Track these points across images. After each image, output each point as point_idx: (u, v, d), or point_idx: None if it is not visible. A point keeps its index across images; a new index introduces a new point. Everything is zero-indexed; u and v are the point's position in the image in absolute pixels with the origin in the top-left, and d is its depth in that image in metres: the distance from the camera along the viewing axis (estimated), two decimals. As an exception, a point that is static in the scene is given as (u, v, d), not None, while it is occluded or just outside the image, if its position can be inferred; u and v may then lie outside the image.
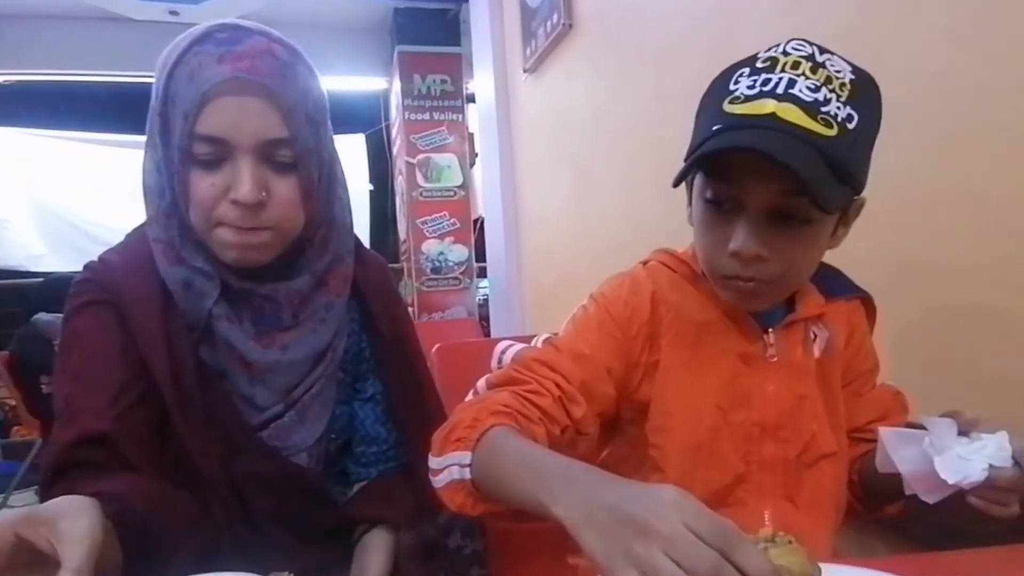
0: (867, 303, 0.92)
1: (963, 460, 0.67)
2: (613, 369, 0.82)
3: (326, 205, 0.85)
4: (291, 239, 0.83)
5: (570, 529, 0.51)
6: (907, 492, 0.74)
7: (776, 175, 0.69)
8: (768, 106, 0.70)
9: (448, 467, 0.68)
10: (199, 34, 0.75)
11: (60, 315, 0.85)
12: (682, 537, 0.44)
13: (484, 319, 4.69)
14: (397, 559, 0.91)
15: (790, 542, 0.50)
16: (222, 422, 0.82)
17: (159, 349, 0.79)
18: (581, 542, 0.50)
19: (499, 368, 0.83)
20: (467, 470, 0.67)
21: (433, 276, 5.04)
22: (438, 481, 0.70)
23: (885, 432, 0.75)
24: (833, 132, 0.69)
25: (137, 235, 0.86)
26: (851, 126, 0.70)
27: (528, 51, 2.94)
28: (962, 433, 0.71)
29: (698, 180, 0.79)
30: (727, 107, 0.73)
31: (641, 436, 0.84)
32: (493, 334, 3.96)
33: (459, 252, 5.11)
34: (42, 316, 3.50)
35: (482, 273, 4.73)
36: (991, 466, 0.67)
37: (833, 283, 0.90)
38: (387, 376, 0.96)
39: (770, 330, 0.84)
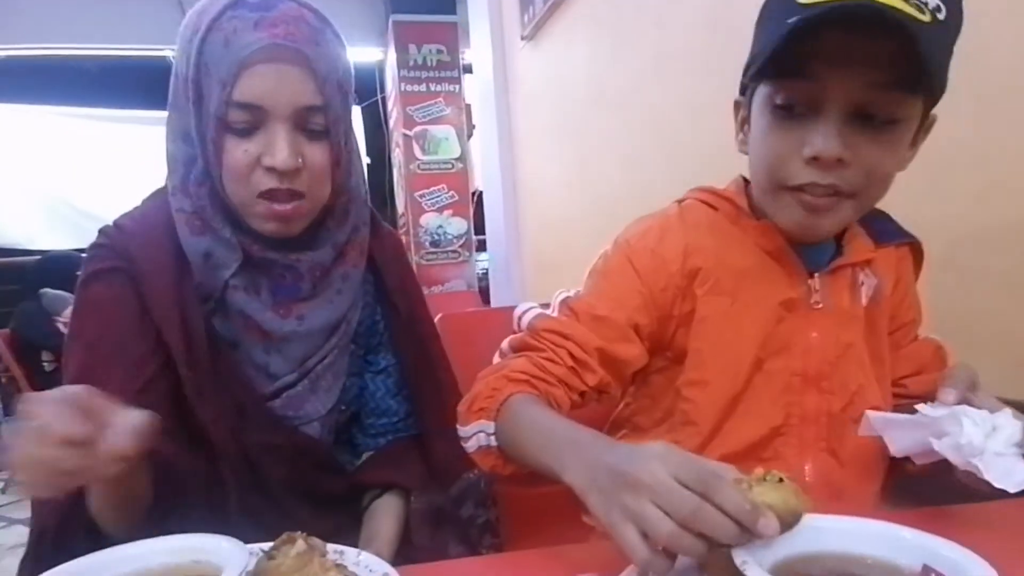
0: (915, 250, 0.87)
1: (1001, 458, 0.60)
2: (641, 325, 0.78)
3: (347, 174, 0.85)
4: (320, 207, 0.83)
5: (578, 493, 0.55)
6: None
7: (862, 65, 0.64)
8: None
9: (476, 434, 0.71)
10: (230, 0, 0.74)
11: (62, 292, 0.85)
12: (665, 485, 0.47)
13: (484, 292, 4.69)
14: (407, 524, 0.92)
15: (781, 480, 0.50)
16: (233, 392, 0.82)
17: (172, 319, 0.79)
18: (588, 504, 0.53)
19: (519, 332, 0.82)
20: (492, 438, 0.70)
21: (432, 249, 5.04)
22: (469, 447, 0.73)
23: (874, 416, 0.69)
24: (926, 18, 0.63)
25: (155, 202, 0.85)
26: (941, 17, 0.64)
27: (526, 18, 2.90)
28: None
29: (760, 92, 0.73)
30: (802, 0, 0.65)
31: (668, 388, 0.82)
32: (494, 306, 3.96)
33: (458, 225, 5.10)
34: (48, 291, 3.50)
35: (481, 246, 4.73)
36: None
37: (883, 227, 0.84)
38: (400, 349, 0.96)
39: (816, 275, 0.79)
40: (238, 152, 0.75)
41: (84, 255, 0.84)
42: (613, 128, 2.32)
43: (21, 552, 0.79)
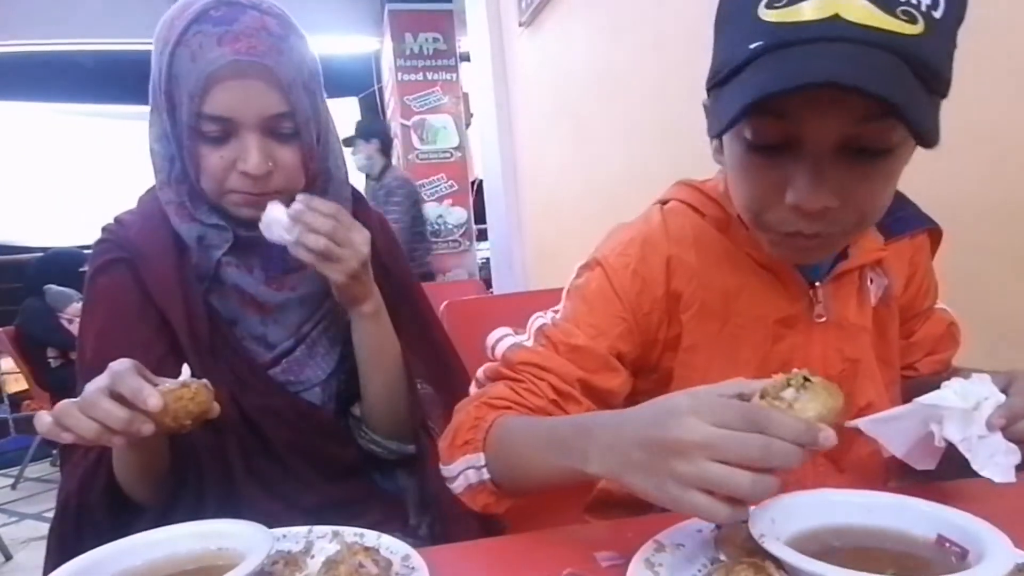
0: (933, 234, 0.79)
1: (984, 441, 0.56)
2: (624, 352, 0.72)
3: (323, 159, 0.90)
4: (295, 194, 0.87)
5: (615, 480, 0.51)
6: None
7: (848, 101, 0.53)
8: (829, 6, 0.53)
9: (463, 472, 0.66)
10: (195, 13, 0.78)
11: (65, 288, 0.91)
12: (717, 437, 0.45)
13: (485, 281, 4.69)
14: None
15: (806, 380, 0.49)
16: (231, 363, 0.87)
17: (174, 298, 0.84)
18: (630, 488, 0.50)
19: (493, 360, 0.76)
20: (483, 471, 0.64)
21: (433, 239, 5.03)
22: (456, 487, 0.67)
23: (863, 422, 0.61)
24: (919, 29, 0.53)
25: (149, 195, 0.90)
26: (937, 15, 0.53)
27: (523, 4, 2.88)
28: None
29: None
30: (764, 14, 0.55)
31: None
32: (496, 293, 3.96)
33: (458, 214, 5.09)
34: (52, 287, 3.52)
35: (481, 235, 4.72)
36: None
37: (895, 216, 0.73)
38: (395, 317, 0.97)
39: (818, 284, 0.70)
40: (213, 158, 0.81)
41: (89, 252, 0.91)
42: (612, 112, 2.31)
43: (33, 546, 0.83)
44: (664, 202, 0.79)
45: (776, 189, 0.60)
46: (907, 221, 0.77)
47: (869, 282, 0.74)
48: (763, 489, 0.44)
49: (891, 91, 0.51)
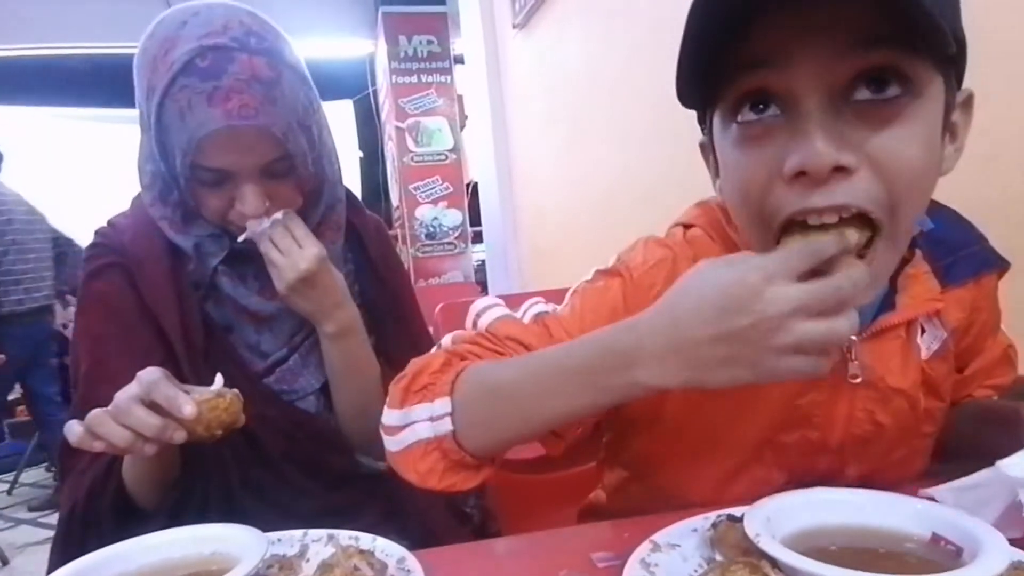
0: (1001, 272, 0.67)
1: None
2: None
3: (316, 163, 0.88)
4: None
5: (684, 387, 0.48)
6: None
7: (843, 20, 0.45)
8: None
9: (412, 424, 0.56)
10: (181, 65, 0.73)
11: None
12: (810, 294, 0.44)
13: (481, 284, 4.69)
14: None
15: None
16: (228, 372, 0.84)
17: (169, 305, 0.83)
18: (706, 386, 0.48)
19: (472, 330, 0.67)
20: (444, 421, 0.55)
21: (428, 242, 5.02)
22: (397, 442, 0.57)
23: (937, 492, 0.52)
24: None
25: (142, 199, 0.88)
26: None
27: (517, 6, 2.88)
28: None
29: (718, 118, 0.56)
30: None
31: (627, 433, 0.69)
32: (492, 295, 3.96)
33: (453, 216, 5.08)
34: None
35: (477, 238, 4.72)
36: None
37: (955, 256, 0.62)
38: (382, 328, 0.98)
39: (854, 338, 0.58)
40: (212, 199, 0.82)
41: (83, 255, 0.90)
42: (607, 114, 2.31)
43: (29, 551, 0.83)
44: (687, 226, 0.68)
45: (775, 165, 0.50)
46: (971, 262, 0.63)
47: (919, 334, 0.61)
48: (852, 327, 0.45)
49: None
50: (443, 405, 0.56)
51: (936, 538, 0.47)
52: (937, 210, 0.62)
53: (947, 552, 0.46)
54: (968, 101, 0.55)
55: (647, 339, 0.49)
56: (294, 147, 0.80)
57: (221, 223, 0.84)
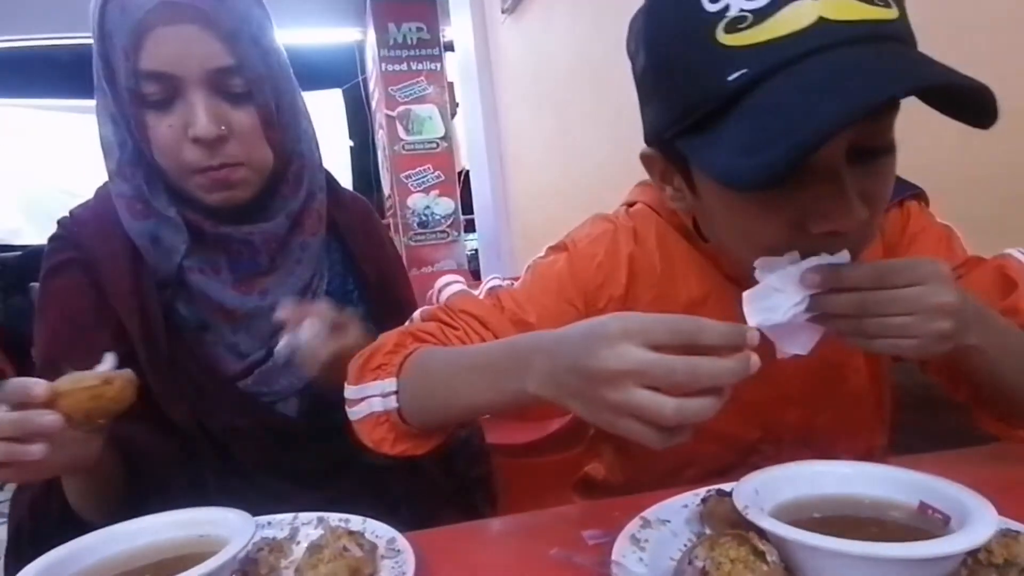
0: (921, 198, 0.74)
1: (773, 291, 0.54)
2: None
3: (293, 138, 0.83)
4: (266, 174, 0.81)
5: (554, 402, 0.51)
6: (779, 356, 0.58)
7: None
8: (806, 10, 0.48)
9: (367, 398, 0.62)
10: None
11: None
12: (644, 363, 0.43)
13: (474, 272, 4.68)
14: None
15: None
16: (192, 375, 0.81)
17: (130, 304, 0.78)
18: (576, 413, 0.49)
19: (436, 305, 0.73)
20: (391, 399, 0.61)
21: (420, 231, 5.00)
22: (354, 413, 0.63)
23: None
24: (894, 13, 0.51)
25: (106, 189, 0.83)
26: None
27: (506, -9, 2.86)
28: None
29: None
30: (728, 39, 0.50)
31: None
32: (484, 284, 3.97)
33: (445, 205, 5.06)
34: (36, 285, 3.47)
35: (469, 226, 4.71)
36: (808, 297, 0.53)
37: None
38: (375, 321, 0.93)
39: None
40: (162, 127, 0.74)
41: (45, 248, 0.84)
42: (596, 99, 2.30)
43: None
44: (630, 204, 0.76)
45: (796, 222, 0.54)
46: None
47: None
48: (692, 413, 0.43)
49: (938, 73, 0.47)
50: (391, 384, 0.62)
51: (924, 507, 0.47)
52: None
53: (935, 521, 0.46)
54: None
55: (537, 353, 0.52)
56: (245, 56, 0.74)
57: (181, 173, 0.76)
